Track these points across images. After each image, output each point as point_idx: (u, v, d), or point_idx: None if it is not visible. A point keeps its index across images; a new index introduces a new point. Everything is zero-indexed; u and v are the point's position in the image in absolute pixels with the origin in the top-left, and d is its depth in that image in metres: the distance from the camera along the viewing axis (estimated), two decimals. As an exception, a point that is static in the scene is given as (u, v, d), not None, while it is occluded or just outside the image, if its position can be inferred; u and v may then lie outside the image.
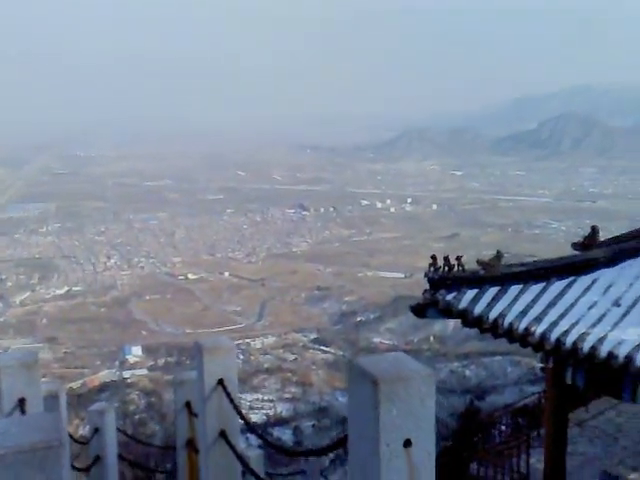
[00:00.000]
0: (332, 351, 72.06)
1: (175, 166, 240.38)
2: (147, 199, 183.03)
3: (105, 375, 67.06)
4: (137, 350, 75.89)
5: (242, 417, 4.40)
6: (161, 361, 71.66)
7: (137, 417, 38.54)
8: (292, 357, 70.84)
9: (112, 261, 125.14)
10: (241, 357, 67.64)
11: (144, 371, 67.19)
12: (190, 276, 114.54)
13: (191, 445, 6.50)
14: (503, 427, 13.11)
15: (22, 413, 4.16)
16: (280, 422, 39.17)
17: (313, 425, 36.47)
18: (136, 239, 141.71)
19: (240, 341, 75.04)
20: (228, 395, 4.34)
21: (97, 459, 8.18)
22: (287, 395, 52.78)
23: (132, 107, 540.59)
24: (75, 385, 61.45)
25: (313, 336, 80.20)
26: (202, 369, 4.58)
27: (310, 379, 58.17)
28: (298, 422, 37.41)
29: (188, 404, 6.61)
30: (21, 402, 4.29)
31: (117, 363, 73.53)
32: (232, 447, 4.38)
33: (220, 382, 4.53)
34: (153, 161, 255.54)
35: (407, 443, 2.37)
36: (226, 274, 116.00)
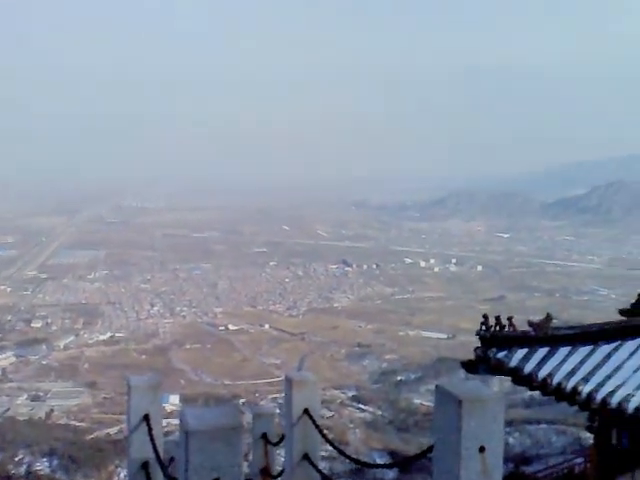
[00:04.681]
0: (370, 410, 70.77)
1: (222, 219, 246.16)
2: (193, 250, 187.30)
3: (142, 423, 67.37)
4: (175, 399, 75.70)
5: (327, 440, 5.10)
6: (198, 411, 71.50)
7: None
8: (329, 414, 69.85)
9: (155, 309, 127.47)
10: (277, 411, 67.10)
11: (180, 420, 67.41)
12: (231, 327, 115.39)
13: (265, 472, 7.19)
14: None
15: (148, 428, 4.98)
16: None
17: (349, 485, 35.71)
18: (180, 288, 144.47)
19: (277, 395, 74.74)
20: (313, 422, 5.08)
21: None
22: (323, 453, 51.80)
23: (186, 164, 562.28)
24: (112, 431, 61.76)
25: (352, 393, 79.18)
26: (291, 399, 5.37)
27: (347, 438, 57.01)
28: (334, 481, 36.77)
29: (264, 435, 7.33)
30: (146, 417, 5.13)
31: (154, 411, 73.81)
32: (316, 468, 5.09)
33: (306, 411, 5.29)
34: (201, 214, 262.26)
35: (482, 449, 3.09)
36: (266, 326, 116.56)
